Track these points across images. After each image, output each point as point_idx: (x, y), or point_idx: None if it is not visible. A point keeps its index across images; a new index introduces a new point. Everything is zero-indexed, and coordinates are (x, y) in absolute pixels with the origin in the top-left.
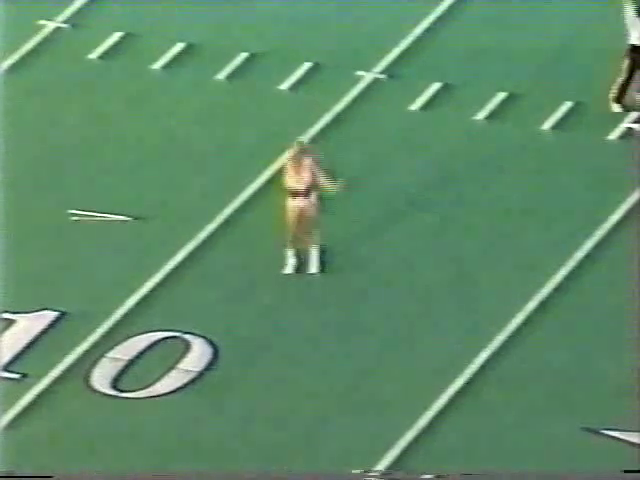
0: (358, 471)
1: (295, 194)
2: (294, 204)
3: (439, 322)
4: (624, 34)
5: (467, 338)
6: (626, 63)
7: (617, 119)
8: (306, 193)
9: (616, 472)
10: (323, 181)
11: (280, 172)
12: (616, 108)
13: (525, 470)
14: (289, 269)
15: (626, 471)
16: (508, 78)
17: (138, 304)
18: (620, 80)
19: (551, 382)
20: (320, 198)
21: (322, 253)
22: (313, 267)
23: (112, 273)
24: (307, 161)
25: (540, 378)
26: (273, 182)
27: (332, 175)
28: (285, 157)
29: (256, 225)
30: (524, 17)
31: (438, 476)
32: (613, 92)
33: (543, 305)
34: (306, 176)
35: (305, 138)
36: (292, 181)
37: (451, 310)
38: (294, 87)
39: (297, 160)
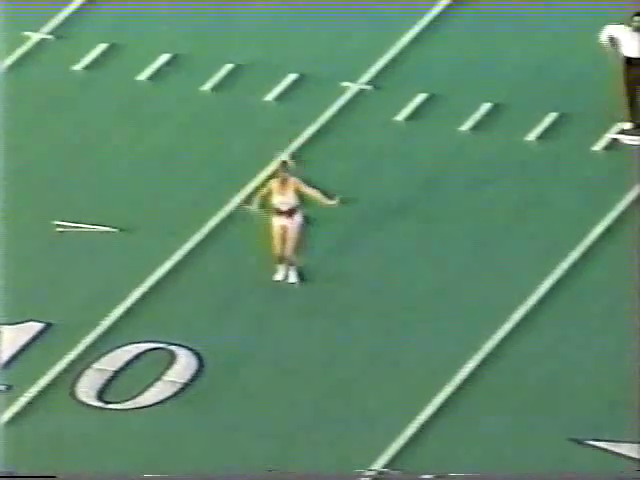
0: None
1: (280, 213)
2: (279, 223)
3: (425, 330)
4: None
5: (454, 347)
6: (624, 79)
7: (602, 130)
8: (290, 213)
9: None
10: (317, 196)
11: (263, 186)
12: (627, 126)
13: (522, 472)
14: (279, 276)
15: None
16: (493, 89)
17: (124, 315)
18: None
19: (537, 391)
20: (306, 218)
21: (301, 266)
22: (292, 277)
23: (97, 284)
24: (292, 180)
25: (526, 387)
26: (257, 195)
27: (324, 191)
28: (269, 174)
29: (241, 237)
30: (509, 28)
31: (438, 476)
32: (625, 112)
33: (529, 314)
34: (290, 196)
35: (288, 156)
36: (277, 200)
37: (437, 319)
38: (279, 98)
39: (282, 179)
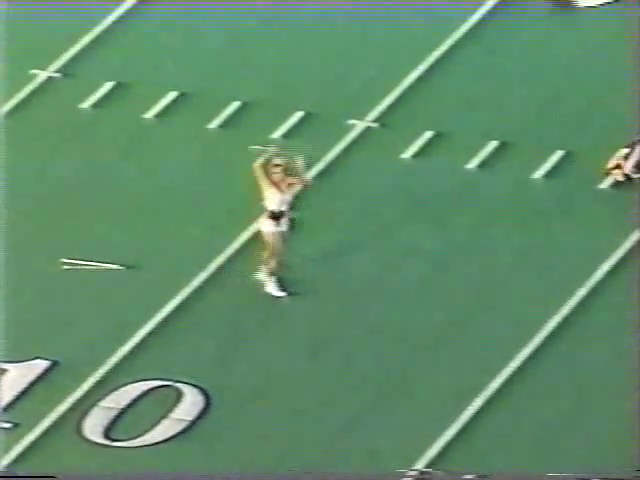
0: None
1: (274, 217)
2: (274, 228)
3: (429, 369)
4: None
5: (458, 387)
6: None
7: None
8: (279, 217)
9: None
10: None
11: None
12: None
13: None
14: (275, 290)
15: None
16: (499, 127)
17: (130, 353)
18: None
19: (543, 431)
20: (292, 222)
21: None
22: (277, 290)
23: (104, 322)
24: (291, 180)
25: (532, 428)
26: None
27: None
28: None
29: (248, 274)
30: (515, 66)
31: (480, 476)
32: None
33: (535, 353)
34: (286, 200)
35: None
36: (275, 202)
37: (441, 358)
38: (286, 136)
39: (278, 183)
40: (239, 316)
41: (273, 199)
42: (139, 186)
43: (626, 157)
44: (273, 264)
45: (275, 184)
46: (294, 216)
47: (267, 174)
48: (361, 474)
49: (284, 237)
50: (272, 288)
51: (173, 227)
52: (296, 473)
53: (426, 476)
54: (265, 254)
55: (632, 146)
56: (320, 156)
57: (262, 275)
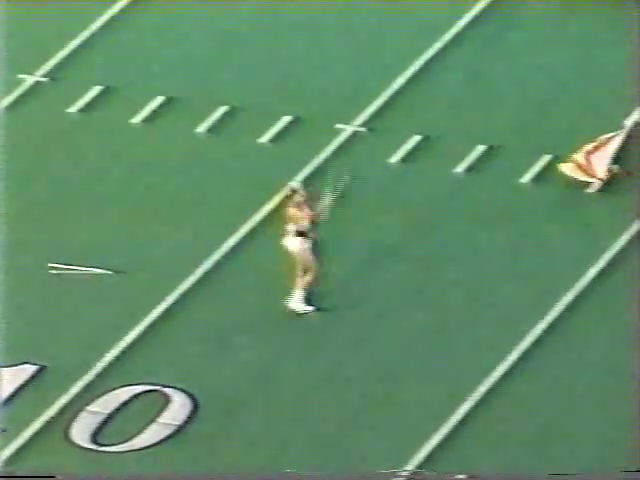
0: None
1: (300, 234)
2: (287, 245)
3: (418, 372)
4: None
5: (448, 389)
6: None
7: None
8: (303, 235)
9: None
10: (325, 207)
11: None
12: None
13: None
14: (297, 307)
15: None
16: (488, 131)
17: (118, 357)
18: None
19: (534, 432)
20: (315, 242)
21: (309, 294)
22: (302, 306)
23: (92, 326)
24: (307, 206)
25: (523, 430)
26: (254, 235)
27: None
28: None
29: (237, 278)
30: (503, 70)
31: (471, 476)
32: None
33: (525, 356)
34: (306, 218)
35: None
36: (292, 222)
37: (430, 362)
38: (274, 140)
39: (298, 205)
40: (226, 320)
41: (291, 217)
42: (127, 191)
43: (586, 161)
44: (308, 279)
45: (293, 205)
46: (316, 237)
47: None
48: (352, 475)
49: (313, 252)
50: (298, 304)
51: (161, 231)
52: (285, 475)
53: (417, 476)
54: (298, 272)
55: (595, 149)
56: (308, 160)
57: (297, 293)
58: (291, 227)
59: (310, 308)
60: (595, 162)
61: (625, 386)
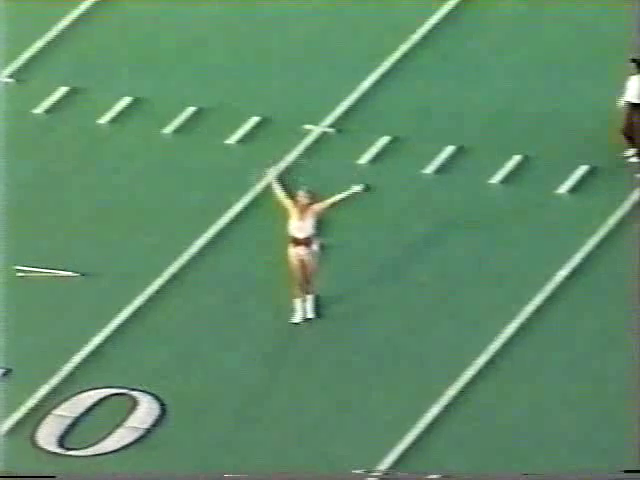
0: (359, 471)
1: (297, 242)
2: (295, 252)
3: (392, 373)
4: None
5: (416, 395)
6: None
7: (567, 172)
8: (307, 242)
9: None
10: (338, 199)
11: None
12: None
13: (528, 472)
14: (297, 318)
15: (626, 471)
16: (456, 132)
17: (85, 361)
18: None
19: (499, 437)
20: (322, 247)
21: (317, 300)
22: (309, 313)
23: (58, 329)
24: (312, 208)
25: (490, 431)
26: (222, 237)
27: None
28: (289, 203)
29: (205, 281)
30: (471, 71)
31: (444, 476)
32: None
33: (493, 360)
34: (309, 224)
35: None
36: (294, 227)
37: (403, 362)
38: (242, 141)
39: (302, 206)
40: (195, 323)
41: (293, 225)
42: (93, 192)
43: None
44: (303, 288)
45: (296, 210)
46: (323, 242)
47: (290, 199)
48: (325, 476)
49: (308, 262)
50: (299, 315)
51: (128, 233)
52: (254, 476)
53: (390, 477)
54: (300, 280)
55: None
56: (276, 160)
57: (297, 303)
58: (295, 229)
59: (312, 316)
60: None
61: (587, 388)
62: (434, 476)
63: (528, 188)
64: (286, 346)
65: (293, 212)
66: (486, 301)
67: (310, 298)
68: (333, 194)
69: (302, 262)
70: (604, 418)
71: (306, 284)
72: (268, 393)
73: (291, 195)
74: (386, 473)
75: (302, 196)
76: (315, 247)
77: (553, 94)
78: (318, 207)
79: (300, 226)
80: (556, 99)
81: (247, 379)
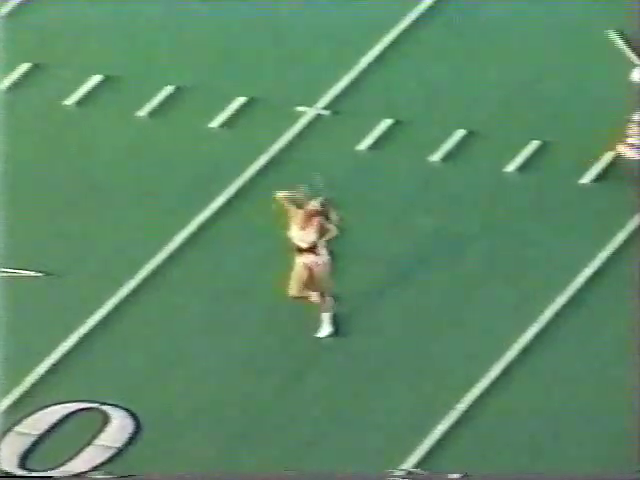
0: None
1: (300, 250)
2: (300, 260)
3: (415, 370)
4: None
5: (428, 403)
6: None
7: (590, 160)
8: (312, 250)
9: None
10: (333, 230)
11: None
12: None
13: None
14: (322, 333)
15: None
16: (467, 114)
17: (49, 371)
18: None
19: (519, 450)
20: (332, 254)
21: (334, 317)
22: (325, 330)
23: (19, 335)
24: (317, 219)
25: (508, 445)
26: (204, 232)
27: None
28: (294, 212)
29: (184, 281)
30: (484, 46)
31: (464, 476)
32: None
33: (509, 368)
34: (311, 233)
35: (321, 198)
36: (296, 235)
37: (427, 358)
38: (226, 125)
39: (307, 214)
40: (174, 328)
41: (294, 233)
42: (59, 182)
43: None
44: (315, 299)
45: (299, 219)
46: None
47: (296, 207)
48: (346, 475)
49: (316, 270)
50: (324, 329)
51: (98, 227)
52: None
53: (412, 476)
54: (298, 286)
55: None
56: (265, 147)
57: (325, 318)
58: (297, 238)
59: (328, 332)
60: None
61: (608, 397)
62: (455, 475)
63: (548, 177)
64: (279, 352)
65: (296, 220)
66: (501, 302)
67: (326, 314)
68: (331, 185)
69: (310, 270)
70: (623, 425)
71: (317, 290)
72: (254, 407)
73: (298, 203)
74: (408, 472)
75: (313, 205)
76: (324, 254)
77: (577, 71)
78: (321, 222)
79: (302, 236)
80: (582, 77)
81: (235, 390)
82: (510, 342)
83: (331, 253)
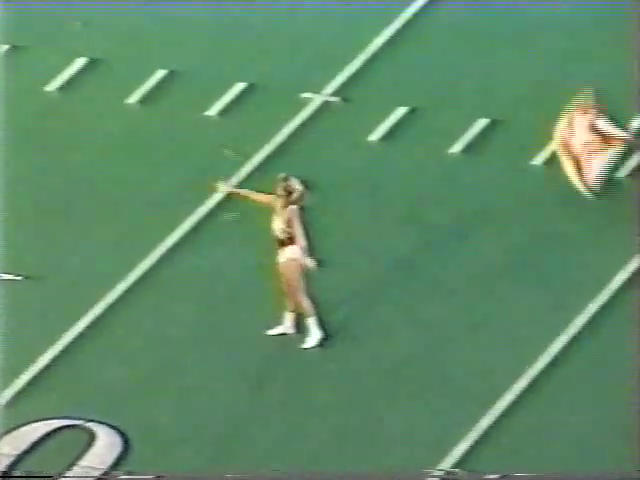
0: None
1: (279, 243)
2: (279, 255)
3: (416, 395)
4: None
5: (447, 422)
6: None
7: (625, 154)
8: (288, 242)
9: None
10: (299, 244)
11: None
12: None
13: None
14: (273, 330)
15: None
16: (490, 101)
17: (30, 383)
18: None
19: (569, 433)
20: (319, 263)
21: (320, 324)
22: (313, 338)
23: None
24: (290, 208)
25: (557, 431)
26: (199, 230)
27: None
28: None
29: (177, 285)
30: (510, 25)
31: (503, 476)
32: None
33: (535, 382)
34: (285, 221)
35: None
36: (275, 224)
37: (468, 358)
38: (224, 113)
39: (283, 201)
40: (164, 337)
41: (274, 222)
42: (39, 176)
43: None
44: (294, 303)
45: (277, 205)
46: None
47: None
48: (383, 475)
49: (284, 270)
50: (312, 336)
51: (82, 227)
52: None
53: (451, 476)
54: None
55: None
56: (267, 138)
57: (287, 320)
58: (275, 227)
59: (315, 341)
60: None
61: None
62: (493, 476)
63: None
64: (278, 363)
65: (276, 203)
66: (528, 309)
67: (311, 321)
68: (340, 179)
69: (283, 267)
70: None
71: (291, 302)
72: (254, 422)
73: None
74: (448, 473)
75: (283, 188)
76: (298, 254)
77: (611, 51)
78: (292, 214)
79: (278, 224)
80: (615, 58)
81: (232, 404)
82: (537, 353)
83: (319, 262)
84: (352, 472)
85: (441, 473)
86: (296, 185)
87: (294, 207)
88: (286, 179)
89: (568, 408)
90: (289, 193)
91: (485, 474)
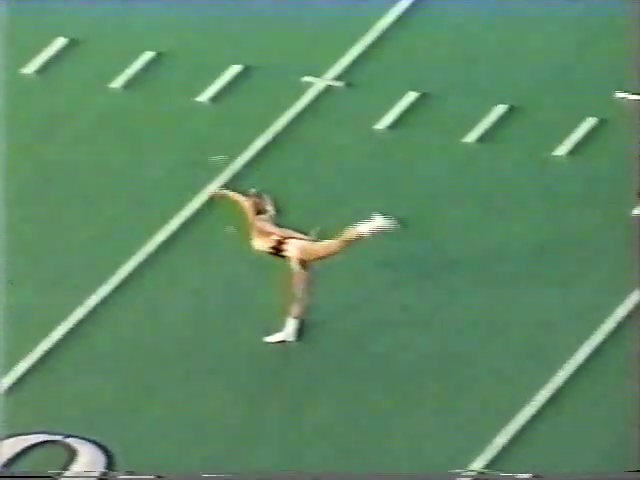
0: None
1: (275, 253)
2: (286, 259)
3: (422, 404)
4: None
5: (450, 442)
6: None
7: None
8: (278, 250)
9: None
10: (299, 236)
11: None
12: None
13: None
14: (272, 337)
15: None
16: (509, 86)
17: (5, 397)
18: None
19: (604, 432)
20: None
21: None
22: (280, 335)
23: None
24: (265, 219)
25: (590, 430)
26: (190, 226)
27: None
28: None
29: (165, 286)
30: (530, 8)
31: (535, 476)
32: None
33: (554, 398)
34: (271, 234)
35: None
36: (258, 243)
37: (502, 358)
38: (217, 99)
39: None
40: (150, 345)
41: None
42: (14, 167)
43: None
44: (297, 307)
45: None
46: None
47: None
48: (416, 475)
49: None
50: (284, 332)
51: (62, 224)
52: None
53: (482, 476)
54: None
55: None
56: (264, 125)
57: (289, 326)
58: (260, 248)
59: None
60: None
61: None
62: (525, 476)
63: (605, 161)
64: (279, 373)
65: (253, 223)
66: (551, 314)
67: (293, 320)
68: (345, 169)
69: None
70: None
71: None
72: (252, 435)
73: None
74: (479, 473)
75: (253, 204)
76: (292, 248)
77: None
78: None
79: (263, 238)
80: None
81: (226, 417)
82: (561, 361)
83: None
84: (381, 473)
85: (473, 473)
86: (267, 206)
87: (266, 222)
88: (259, 196)
89: (601, 408)
90: (258, 212)
91: (516, 474)
